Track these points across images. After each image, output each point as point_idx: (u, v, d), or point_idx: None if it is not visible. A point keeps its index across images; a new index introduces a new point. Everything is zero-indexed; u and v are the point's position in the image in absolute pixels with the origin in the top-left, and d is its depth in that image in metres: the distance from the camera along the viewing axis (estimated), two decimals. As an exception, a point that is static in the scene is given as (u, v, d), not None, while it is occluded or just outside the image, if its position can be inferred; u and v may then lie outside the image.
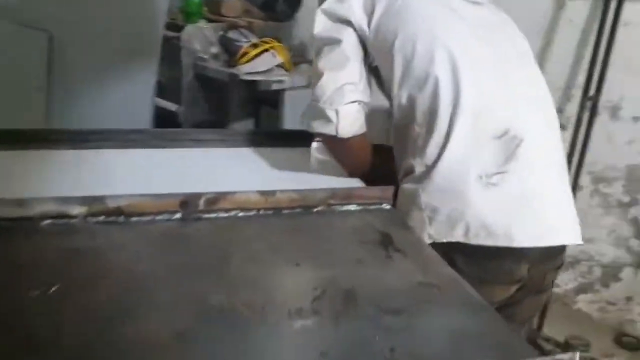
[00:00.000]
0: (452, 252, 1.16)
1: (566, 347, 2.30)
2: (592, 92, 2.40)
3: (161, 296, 0.82)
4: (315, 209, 1.11)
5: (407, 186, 1.28)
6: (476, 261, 1.20)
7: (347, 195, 1.14)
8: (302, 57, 2.92)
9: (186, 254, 0.94)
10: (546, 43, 2.59)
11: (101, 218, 0.96)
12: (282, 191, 1.09)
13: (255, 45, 2.73)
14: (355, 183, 1.32)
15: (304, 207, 1.11)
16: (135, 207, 0.97)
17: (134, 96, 2.62)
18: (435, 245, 1.15)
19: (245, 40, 2.78)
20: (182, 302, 0.81)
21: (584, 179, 2.61)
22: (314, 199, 1.11)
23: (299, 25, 3.25)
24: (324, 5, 1.37)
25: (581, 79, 2.49)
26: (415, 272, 0.97)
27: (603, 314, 2.74)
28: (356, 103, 1.31)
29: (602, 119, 2.52)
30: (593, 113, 2.43)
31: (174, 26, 2.86)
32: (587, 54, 2.50)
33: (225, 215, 1.04)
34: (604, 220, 2.64)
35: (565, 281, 2.80)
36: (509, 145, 1.23)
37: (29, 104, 2.73)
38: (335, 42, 1.32)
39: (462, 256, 1.18)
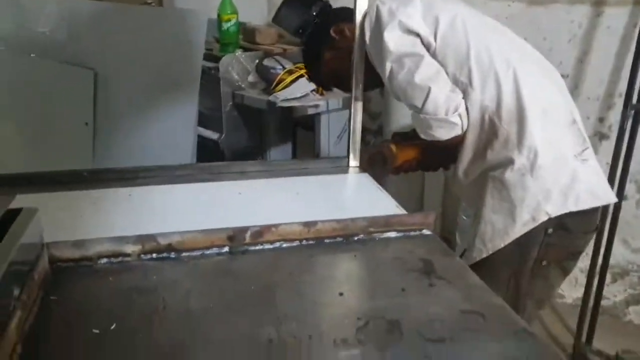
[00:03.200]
0: (564, 218, 1.43)
1: (618, 361, 2.26)
2: (634, 100, 2.36)
3: (215, 332, 0.86)
4: (356, 238, 1.15)
5: (511, 179, 1.44)
6: (581, 219, 1.47)
7: (387, 223, 1.17)
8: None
9: (235, 288, 0.97)
10: (583, 52, 2.58)
11: (154, 255, 1.02)
12: (323, 221, 1.13)
13: (290, 72, 2.78)
14: (395, 209, 1.35)
15: (345, 236, 1.14)
16: (186, 244, 1.02)
17: (177, 127, 2.71)
18: (551, 219, 1.42)
19: (280, 67, 2.83)
20: (235, 336, 0.85)
21: (630, 188, 2.57)
22: (355, 227, 1.14)
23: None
24: (392, 23, 1.47)
25: (621, 87, 2.46)
26: (458, 300, 0.98)
27: (657, 325, 2.68)
28: (462, 101, 1.46)
29: (646, 127, 2.49)
30: (636, 121, 2.38)
31: (211, 57, 2.94)
32: (627, 61, 2.47)
33: (271, 247, 1.09)
34: (652, 230, 2.60)
35: (614, 293, 2.75)
36: (578, 128, 1.49)
37: (77, 139, 2.85)
38: (416, 55, 1.45)
39: (572, 218, 1.44)
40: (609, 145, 2.44)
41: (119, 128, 2.78)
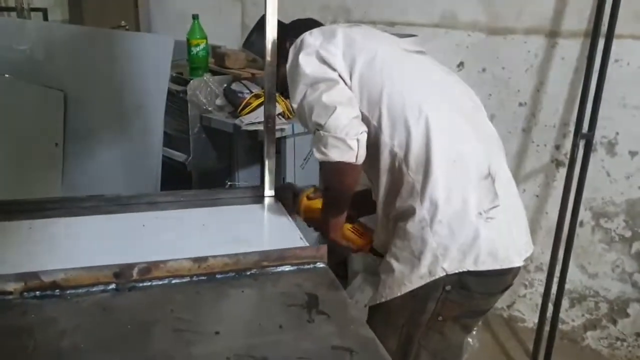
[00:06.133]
0: (463, 277, 1.41)
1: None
2: (585, 128, 2.40)
3: None
4: (248, 272, 1.18)
5: (412, 230, 1.42)
6: (484, 280, 1.44)
7: (280, 257, 1.21)
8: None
9: (112, 326, 0.99)
10: (539, 81, 2.63)
11: (37, 293, 1.04)
12: (214, 256, 1.16)
13: (257, 96, 2.83)
14: (298, 242, 1.38)
15: (237, 271, 1.17)
16: (70, 281, 1.05)
17: (143, 148, 2.76)
18: (449, 276, 1.39)
19: (247, 91, 2.89)
20: None
21: (585, 215, 2.61)
22: (247, 262, 1.18)
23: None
24: (309, 49, 1.48)
25: (576, 115, 2.49)
26: (332, 336, 1.02)
27: (613, 350, 2.69)
28: (365, 133, 1.41)
29: (599, 155, 2.53)
30: (588, 149, 2.43)
31: (181, 80, 3.00)
32: (580, 91, 2.51)
33: (159, 283, 1.12)
34: (607, 256, 2.63)
35: (572, 317, 2.78)
36: (492, 184, 1.43)
37: (47, 159, 2.91)
38: (331, 80, 1.45)
39: (473, 278, 1.41)
40: (563, 173, 2.48)
41: (88, 148, 2.85)
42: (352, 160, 1.40)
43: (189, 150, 2.98)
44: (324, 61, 1.47)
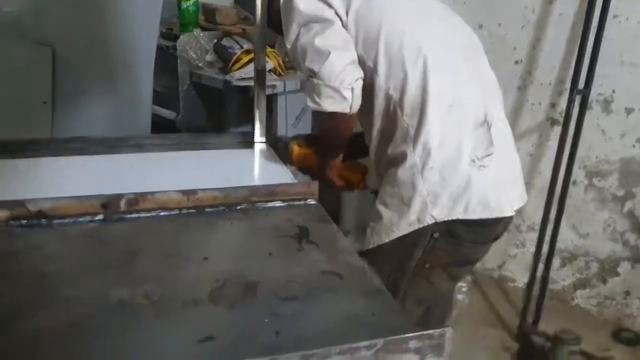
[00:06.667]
0: (452, 225, 1.38)
1: (555, 340, 2.28)
2: (581, 85, 2.37)
3: (64, 292, 0.86)
4: (238, 207, 1.16)
5: (403, 176, 1.39)
6: (474, 229, 1.41)
7: (270, 192, 1.18)
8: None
9: (98, 253, 0.98)
10: (536, 38, 2.59)
11: (23, 222, 1.01)
12: (203, 190, 1.13)
13: (248, 52, 2.78)
14: (285, 179, 1.35)
15: (226, 205, 1.15)
16: (57, 210, 1.02)
17: (133, 105, 2.72)
18: (438, 224, 1.37)
19: (238, 47, 2.84)
20: (83, 296, 0.86)
21: (579, 174, 2.59)
22: (237, 196, 1.15)
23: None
24: None
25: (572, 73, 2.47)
26: (322, 262, 1.00)
27: (601, 309, 2.71)
28: (360, 79, 1.37)
29: (595, 113, 2.51)
30: (583, 106, 2.39)
31: (171, 35, 2.95)
32: (578, 48, 2.48)
33: (148, 215, 1.09)
34: (599, 215, 2.62)
35: (562, 277, 2.78)
36: (487, 131, 1.37)
37: (36, 116, 2.86)
38: (325, 21, 1.38)
39: (462, 226, 1.39)
40: (558, 131, 2.46)
41: (77, 106, 2.80)
42: (346, 110, 1.38)
43: (179, 107, 2.93)
44: None
